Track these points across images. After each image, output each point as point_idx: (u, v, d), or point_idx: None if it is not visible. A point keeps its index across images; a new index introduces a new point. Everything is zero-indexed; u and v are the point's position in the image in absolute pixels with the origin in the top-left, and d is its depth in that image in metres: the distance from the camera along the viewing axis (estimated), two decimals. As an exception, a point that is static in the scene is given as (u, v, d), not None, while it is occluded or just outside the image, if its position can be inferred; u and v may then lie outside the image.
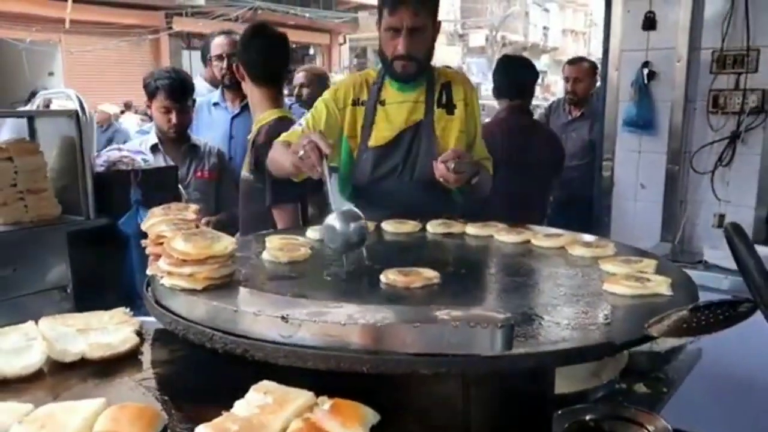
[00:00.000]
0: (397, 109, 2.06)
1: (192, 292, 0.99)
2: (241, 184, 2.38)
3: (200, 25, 16.56)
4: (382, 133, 2.04)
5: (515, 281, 1.29)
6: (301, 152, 1.55)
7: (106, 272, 2.18)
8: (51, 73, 15.08)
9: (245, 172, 2.33)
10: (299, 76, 3.78)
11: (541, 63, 29.41)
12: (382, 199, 1.97)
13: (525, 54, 29.36)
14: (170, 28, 16.42)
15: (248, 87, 2.39)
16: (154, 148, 2.70)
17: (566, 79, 4.24)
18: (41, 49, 14.19)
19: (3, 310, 1.88)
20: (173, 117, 2.71)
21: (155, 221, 1.16)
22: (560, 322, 1.00)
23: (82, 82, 14.27)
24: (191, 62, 17.05)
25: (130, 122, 12.65)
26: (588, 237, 1.55)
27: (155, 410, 0.83)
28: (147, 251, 1.15)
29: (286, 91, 3.06)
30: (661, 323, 0.85)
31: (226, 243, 1.02)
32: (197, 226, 1.13)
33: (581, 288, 1.21)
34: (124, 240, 2.21)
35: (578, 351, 0.89)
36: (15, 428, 0.78)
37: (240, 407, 0.83)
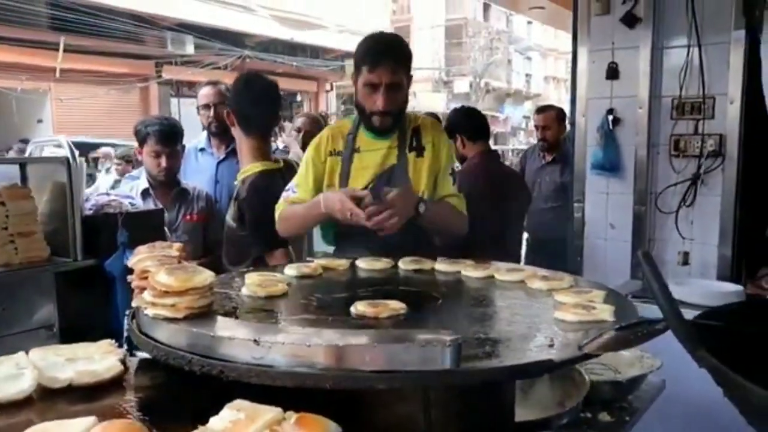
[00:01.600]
0: (372, 156, 2.18)
1: (173, 320, 1.08)
2: (226, 230, 2.50)
3: (189, 73, 16.88)
4: (358, 180, 2.16)
5: (476, 311, 1.39)
6: (348, 215, 1.90)
7: (92, 312, 2.25)
8: (40, 121, 15.24)
9: (230, 220, 2.46)
10: (299, 122, 3.96)
11: (524, 109, 30.12)
12: (363, 241, 2.04)
13: (509, 100, 30.08)
14: (160, 76, 16.70)
15: (237, 134, 2.52)
16: (144, 193, 2.81)
17: (536, 127, 4.44)
18: (31, 97, 14.39)
19: (-9, 348, 1.95)
20: (163, 161, 2.83)
21: (141, 257, 1.25)
22: (511, 345, 1.10)
23: (70, 129, 14.42)
24: (180, 109, 17.33)
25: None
26: (545, 271, 1.66)
27: (140, 426, 0.91)
28: (132, 285, 1.24)
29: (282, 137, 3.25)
30: (594, 342, 0.95)
31: (205, 276, 1.12)
32: (179, 262, 1.22)
33: (535, 316, 1.31)
34: (110, 280, 2.29)
35: (522, 367, 0.99)
36: None
37: (215, 422, 0.92)
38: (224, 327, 1.07)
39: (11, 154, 9.41)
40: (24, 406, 1.07)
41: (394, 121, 2.15)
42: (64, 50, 13.78)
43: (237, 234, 2.42)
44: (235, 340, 0.99)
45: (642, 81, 3.12)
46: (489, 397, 1.18)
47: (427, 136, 2.23)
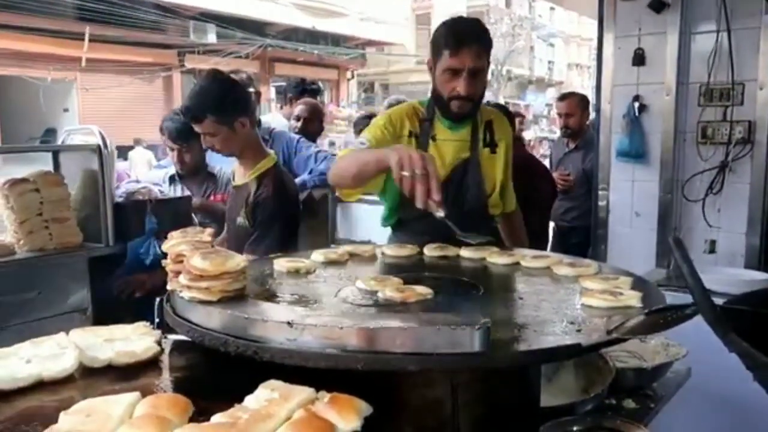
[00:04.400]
0: (448, 147, 2.13)
1: (208, 303, 1.11)
2: (235, 230, 2.40)
3: (212, 62, 16.99)
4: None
5: (503, 296, 1.40)
6: (406, 173, 1.52)
7: (124, 295, 2.31)
8: (66, 110, 15.52)
9: (241, 219, 2.36)
10: (300, 109, 3.98)
11: (546, 96, 29.82)
12: (429, 231, 1.89)
13: (531, 87, 29.78)
14: (182, 65, 16.85)
15: (226, 134, 2.33)
16: (171, 179, 2.86)
17: (558, 115, 4.40)
18: (57, 87, 14.63)
19: (28, 331, 2.00)
20: (175, 156, 2.88)
21: (174, 242, 1.29)
22: (539, 330, 1.11)
23: (96, 118, 14.65)
24: (202, 98, 17.45)
25: (139, 157, 12.95)
26: (570, 258, 1.66)
27: (186, 399, 0.95)
28: (167, 269, 1.27)
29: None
30: (622, 327, 0.96)
31: (238, 260, 1.15)
32: (212, 246, 1.26)
33: (561, 302, 1.32)
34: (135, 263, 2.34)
35: (551, 351, 1.00)
36: (63, 417, 0.90)
37: (250, 401, 0.95)
38: (258, 309, 1.09)
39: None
40: (66, 384, 1.11)
41: (472, 108, 2.09)
42: (90, 40, 13.98)
43: (248, 235, 2.33)
44: (269, 322, 1.01)
45: (669, 67, 3.09)
46: (515, 381, 1.19)
47: (500, 132, 2.20)
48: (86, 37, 13.81)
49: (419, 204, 1.53)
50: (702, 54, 3.01)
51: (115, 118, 14.82)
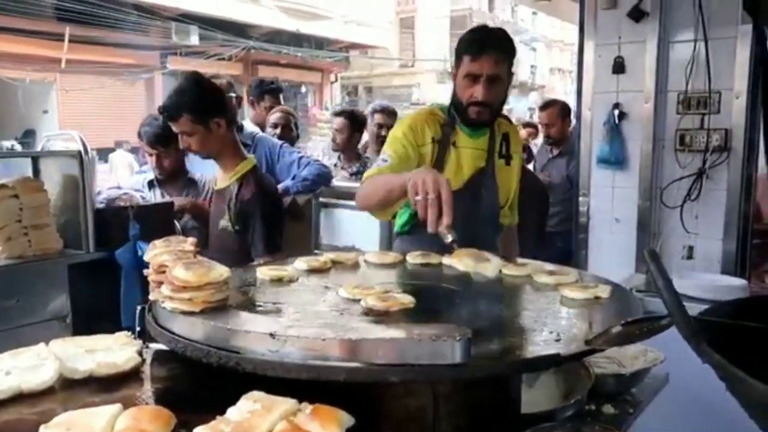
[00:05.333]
0: (467, 155, 2.14)
1: (191, 314, 1.11)
2: (219, 232, 2.42)
3: (194, 64, 16.89)
4: (454, 177, 2.05)
5: (483, 305, 1.41)
6: (419, 197, 1.54)
7: (103, 303, 2.29)
8: (45, 111, 15.33)
9: (225, 222, 2.38)
10: (276, 117, 3.97)
11: (529, 100, 30.02)
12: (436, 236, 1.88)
13: (514, 91, 29.99)
14: (165, 67, 16.73)
15: (203, 135, 2.37)
16: (150, 184, 2.84)
17: (540, 124, 4.46)
18: (36, 88, 14.45)
19: (6, 339, 1.99)
20: (154, 161, 2.87)
21: (157, 252, 1.28)
22: (519, 339, 1.13)
23: (76, 119, 14.50)
24: (184, 100, 17.32)
25: (120, 160, 12.81)
26: (551, 266, 1.68)
27: (169, 412, 0.95)
28: (149, 279, 1.27)
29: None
30: (599, 338, 0.98)
31: (221, 271, 1.15)
32: (195, 256, 1.26)
33: (541, 311, 1.34)
34: (121, 272, 2.33)
35: (530, 361, 1.02)
36: (43, 430, 0.89)
37: (232, 413, 0.95)
38: (240, 320, 1.10)
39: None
40: (46, 396, 1.10)
41: (491, 116, 2.10)
42: (70, 41, 13.82)
43: (232, 237, 2.36)
44: (252, 333, 1.02)
45: (648, 75, 3.14)
46: (496, 389, 1.21)
47: (516, 145, 2.24)
48: (66, 38, 13.66)
49: (430, 229, 1.54)
50: (680, 63, 3.06)
51: (96, 120, 14.69)
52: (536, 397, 1.61)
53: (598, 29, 3.29)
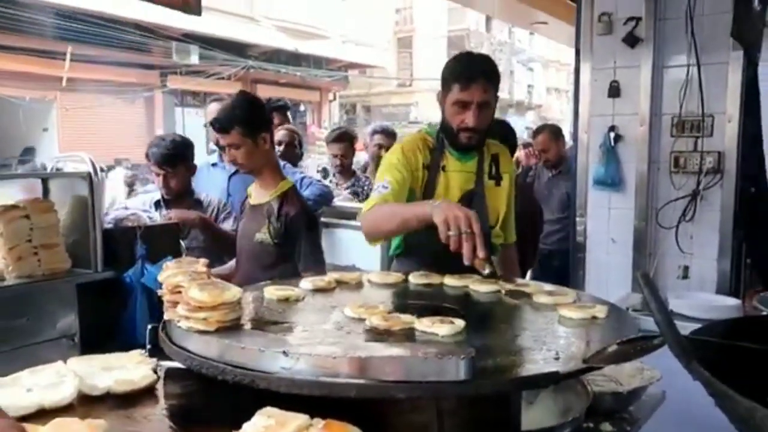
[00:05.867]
0: (456, 178, 2.21)
1: (206, 333, 1.16)
2: (254, 245, 2.54)
3: (194, 83, 17.04)
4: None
5: (485, 324, 1.46)
6: (452, 232, 1.63)
7: (111, 322, 2.33)
8: (45, 129, 15.39)
9: (262, 235, 2.50)
10: (281, 134, 4.05)
11: (526, 119, 30.25)
12: (433, 257, 1.95)
13: (511, 111, 30.24)
14: (165, 85, 16.85)
15: (251, 150, 2.52)
16: (156, 204, 2.90)
17: (537, 150, 4.54)
18: (37, 106, 14.53)
19: (17, 357, 2.03)
20: (161, 181, 2.93)
21: (170, 273, 1.33)
22: (519, 357, 1.18)
23: (75, 137, 14.58)
24: (184, 119, 17.49)
25: (118, 178, 12.85)
26: (549, 286, 1.74)
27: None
28: (164, 299, 1.32)
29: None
30: (596, 356, 1.03)
31: (234, 292, 1.21)
32: (209, 277, 1.31)
33: (541, 330, 1.39)
34: (129, 292, 2.37)
35: (530, 379, 1.07)
36: None
37: (247, 428, 1.00)
38: (254, 339, 1.15)
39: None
40: (66, 412, 1.15)
41: (479, 140, 2.18)
42: (71, 60, 13.92)
43: (268, 249, 2.49)
44: (266, 351, 1.07)
45: (643, 99, 3.22)
46: (497, 406, 1.25)
47: (505, 166, 2.30)
48: (68, 57, 13.77)
49: (467, 261, 1.64)
50: (674, 87, 3.15)
51: (95, 137, 14.75)
52: (536, 414, 1.65)
53: (594, 54, 3.38)
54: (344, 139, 4.36)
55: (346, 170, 4.34)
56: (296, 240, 2.49)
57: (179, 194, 2.97)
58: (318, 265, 2.48)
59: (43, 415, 1.13)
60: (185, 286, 1.22)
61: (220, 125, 2.52)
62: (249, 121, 2.49)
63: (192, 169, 3.05)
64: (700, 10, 3.03)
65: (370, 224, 2.06)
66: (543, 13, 7.04)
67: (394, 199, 2.07)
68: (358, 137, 4.47)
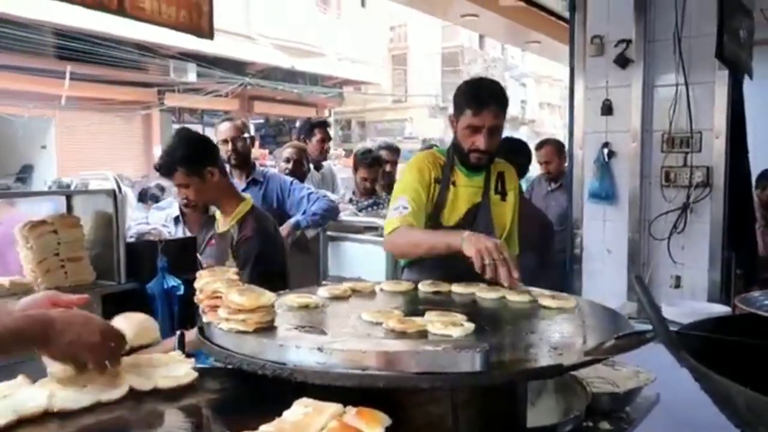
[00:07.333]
0: (464, 192, 2.37)
1: (245, 333, 1.29)
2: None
3: (191, 100, 17.21)
4: (453, 213, 2.34)
5: (493, 325, 1.59)
6: (487, 261, 1.89)
7: (133, 331, 2.44)
8: (44, 147, 15.49)
9: (230, 263, 2.48)
10: (288, 152, 4.19)
11: (520, 134, 30.54)
12: (442, 266, 2.14)
13: (505, 126, 30.51)
14: (162, 103, 17.01)
15: (212, 187, 2.53)
16: (176, 220, 3.03)
17: (539, 162, 4.67)
18: (35, 124, 14.65)
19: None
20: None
21: (207, 281, 1.46)
22: (526, 353, 1.31)
23: (73, 155, 14.70)
24: (181, 135, 17.58)
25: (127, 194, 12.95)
26: (551, 293, 1.87)
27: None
28: (201, 304, 1.45)
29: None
30: (596, 350, 1.17)
31: (269, 296, 1.34)
32: (243, 284, 1.44)
33: (544, 330, 1.53)
34: (150, 301, 2.49)
35: (536, 370, 1.20)
36: None
37: (288, 415, 1.12)
38: (289, 337, 1.28)
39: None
40: (119, 405, 1.27)
41: (489, 160, 2.34)
42: (70, 78, 14.07)
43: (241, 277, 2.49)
44: (302, 348, 1.19)
45: (634, 117, 3.38)
46: (506, 399, 1.38)
47: (511, 183, 2.45)
48: (67, 76, 13.92)
49: (505, 284, 1.89)
50: (663, 105, 3.31)
51: (93, 155, 14.86)
52: (539, 413, 1.78)
53: (587, 74, 3.54)
54: (377, 164, 4.45)
55: (369, 191, 4.48)
56: (254, 261, 2.46)
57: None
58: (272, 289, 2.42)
59: (100, 407, 1.25)
60: (224, 292, 1.35)
61: (163, 169, 2.55)
62: (190, 159, 2.49)
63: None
64: (687, 32, 3.19)
65: (395, 248, 2.32)
66: (536, 32, 7.24)
67: (415, 220, 2.24)
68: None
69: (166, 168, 2.53)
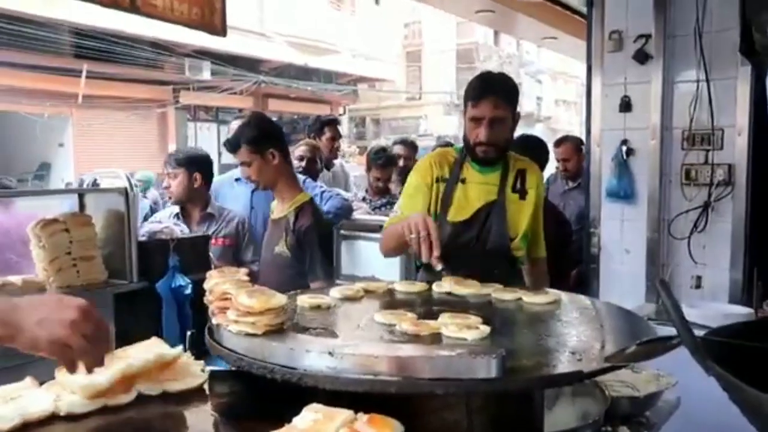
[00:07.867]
0: (476, 189, 2.32)
1: (254, 336, 1.26)
2: (274, 257, 2.68)
3: (206, 98, 17.27)
4: (461, 210, 2.30)
5: (508, 328, 1.56)
6: (413, 235, 1.86)
7: (145, 330, 2.42)
8: (61, 145, 15.65)
9: (280, 248, 2.64)
10: (301, 150, 4.17)
11: (536, 131, 30.33)
12: (451, 266, 2.08)
13: (520, 122, 30.36)
14: (177, 101, 17.09)
15: (269, 167, 2.68)
16: (177, 217, 3.03)
17: (557, 159, 4.59)
18: (53, 122, 14.80)
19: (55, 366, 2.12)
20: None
21: (216, 282, 1.44)
22: (544, 358, 1.27)
23: (90, 152, 14.81)
24: (196, 133, 17.72)
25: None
26: (567, 295, 1.83)
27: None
28: (210, 306, 1.42)
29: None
30: (617, 355, 1.12)
31: (279, 298, 1.30)
32: (253, 285, 1.41)
33: (561, 334, 1.48)
34: (160, 300, 2.47)
35: (555, 377, 1.16)
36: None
37: (297, 422, 1.09)
38: (299, 341, 1.24)
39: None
40: (127, 408, 1.25)
41: (497, 154, 2.30)
42: (87, 77, 14.18)
43: (287, 261, 2.61)
44: (312, 352, 1.16)
45: (653, 113, 3.30)
46: (522, 405, 1.34)
47: (532, 181, 2.38)
48: (83, 74, 14.02)
49: (424, 259, 1.89)
50: (684, 101, 3.23)
51: (110, 152, 14.97)
52: (556, 418, 1.73)
53: (604, 70, 3.47)
54: (390, 164, 4.46)
55: (383, 191, 4.47)
56: (307, 252, 2.62)
57: (178, 200, 3.09)
58: (326, 278, 2.61)
59: (107, 410, 1.23)
60: (233, 293, 1.32)
61: (229, 144, 2.72)
62: (255, 138, 2.65)
63: (196, 181, 3.15)
64: (708, 27, 3.11)
65: (382, 248, 2.34)
66: (553, 28, 7.15)
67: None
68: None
69: (232, 144, 2.69)
